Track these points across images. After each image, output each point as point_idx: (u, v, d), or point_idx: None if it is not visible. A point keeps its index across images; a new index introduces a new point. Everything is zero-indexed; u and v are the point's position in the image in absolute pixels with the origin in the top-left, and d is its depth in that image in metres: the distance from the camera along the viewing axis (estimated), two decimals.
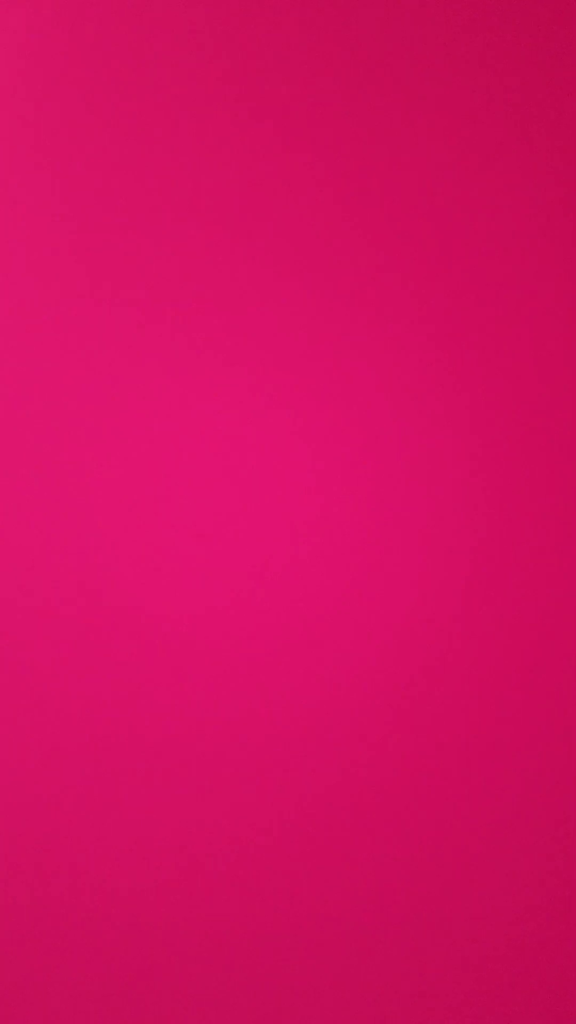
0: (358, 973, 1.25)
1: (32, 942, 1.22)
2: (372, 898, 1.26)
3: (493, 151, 1.31)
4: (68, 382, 1.25)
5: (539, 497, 1.30)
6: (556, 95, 1.33)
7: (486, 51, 1.32)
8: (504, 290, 1.31)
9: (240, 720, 1.25)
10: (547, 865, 1.28)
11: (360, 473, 1.28)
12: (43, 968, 1.22)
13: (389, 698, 1.27)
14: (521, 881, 1.27)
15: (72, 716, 1.23)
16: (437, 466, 1.29)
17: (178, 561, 1.25)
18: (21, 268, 1.26)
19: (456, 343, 1.30)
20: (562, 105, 1.33)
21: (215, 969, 1.24)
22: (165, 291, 1.27)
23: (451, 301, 1.30)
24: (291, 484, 1.27)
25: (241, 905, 1.24)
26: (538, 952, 1.27)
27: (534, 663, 1.28)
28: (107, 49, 1.28)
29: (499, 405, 1.30)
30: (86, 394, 1.26)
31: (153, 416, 1.26)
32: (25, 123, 1.27)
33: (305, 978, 1.25)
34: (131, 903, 1.23)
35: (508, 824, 1.27)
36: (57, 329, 1.26)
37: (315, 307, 1.28)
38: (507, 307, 1.31)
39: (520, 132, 1.32)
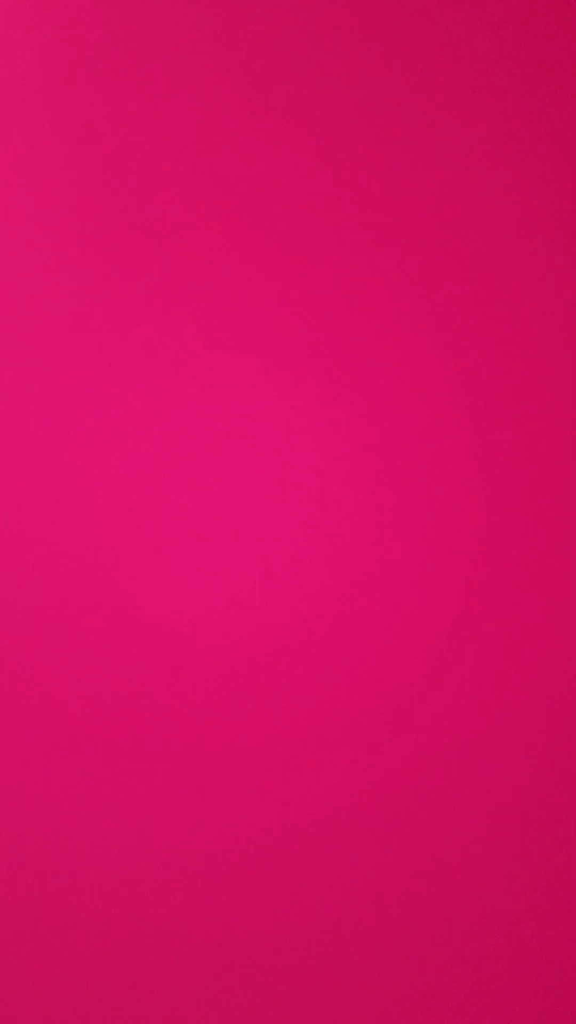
0: (358, 973, 1.25)
1: (32, 942, 1.22)
2: (372, 898, 1.26)
3: (501, 147, 1.31)
4: (69, 379, 1.25)
5: (541, 497, 1.30)
6: (556, 95, 1.33)
7: (488, 44, 1.32)
8: (509, 288, 1.31)
9: (241, 720, 1.25)
10: (547, 865, 1.28)
11: (362, 472, 1.28)
12: (43, 968, 1.22)
13: (390, 698, 1.27)
14: (521, 881, 1.27)
15: (72, 716, 1.23)
16: (439, 466, 1.29)
17: (179, 560, 1.25)
18: (23, 264, 1.25)
19: (460, 342, 1.30)
20: (564, 103, 1.33)
21: (215, 969, 1.24)
22: (167, 289, 1.27)
23: (455, 299, 1.30)
24: (292, 484, 1.27)
25: (241, 905, 1.24)
26: (538, 952, 1.28)
27: (535, 663, 1.29)
28: (110, 40, 1.28)
29: (502, 404, 1.30)
30: (87, 392, 1.25)
31: (154, 415, 1.26)
32: (26, 120, 1.26)
33: (305, 978, 1.25)
34: (131, 903, 1.23)
35: (508, 824, 1.28)
36: (59, 325, 1.26)
37: (318, 305, 1.28)
38: (511, 305, 1.31)
39: (526, 127, 1.32)
